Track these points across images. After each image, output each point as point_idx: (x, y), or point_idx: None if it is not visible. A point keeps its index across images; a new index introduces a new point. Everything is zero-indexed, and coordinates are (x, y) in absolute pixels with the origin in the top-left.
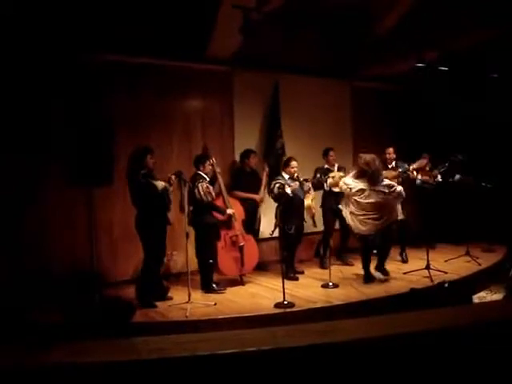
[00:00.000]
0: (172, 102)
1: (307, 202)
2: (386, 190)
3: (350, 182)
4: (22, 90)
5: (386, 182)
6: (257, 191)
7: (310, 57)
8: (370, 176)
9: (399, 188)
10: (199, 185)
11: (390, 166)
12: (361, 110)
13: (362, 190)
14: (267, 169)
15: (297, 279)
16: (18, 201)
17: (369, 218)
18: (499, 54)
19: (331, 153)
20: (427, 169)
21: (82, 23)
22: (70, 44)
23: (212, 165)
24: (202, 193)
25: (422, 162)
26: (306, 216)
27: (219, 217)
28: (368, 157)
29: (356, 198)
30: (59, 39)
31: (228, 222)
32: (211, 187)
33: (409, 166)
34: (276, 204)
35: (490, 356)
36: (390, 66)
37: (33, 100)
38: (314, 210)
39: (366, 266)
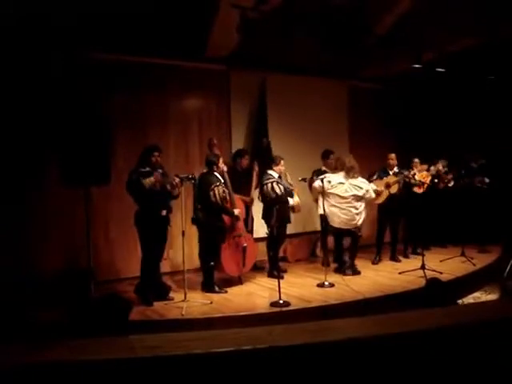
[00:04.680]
0: (169, 100)
1: (294, 199)
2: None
3: (330, 177)
4: (21, 89)
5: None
6: (248, 191)
7: (309, 56)
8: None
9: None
10: (216, 188)
11: (391, 172)
12: (358, 110)
13: (340, 184)
14: (257, 168)
15: (282, 277)
16: (15, 200)
17: (348, 210)
18: (497, 55)
19: (332, 156)
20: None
21: (81, 22)
22: (69, 43)
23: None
24: (217, 197)
25: (422, 167)
26: (293, 213)
27: (227, 220)
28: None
29: (333, 190)
30: (58, 39)
31: (233, 223)
32: (227, 191)
33: (409, 172)
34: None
35: (484, 355)
36: (389, 66)
37: (32, 98)
38: (299, 206)
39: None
